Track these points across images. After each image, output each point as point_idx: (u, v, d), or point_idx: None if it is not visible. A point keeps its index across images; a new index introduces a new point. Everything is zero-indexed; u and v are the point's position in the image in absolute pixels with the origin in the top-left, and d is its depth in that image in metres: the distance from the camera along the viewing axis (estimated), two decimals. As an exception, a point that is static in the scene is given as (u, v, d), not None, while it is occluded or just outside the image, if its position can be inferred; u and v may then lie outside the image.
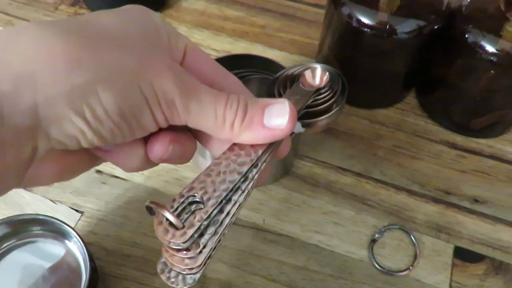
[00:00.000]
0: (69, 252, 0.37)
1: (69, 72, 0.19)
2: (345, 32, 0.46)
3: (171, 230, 0.21)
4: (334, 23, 0.46)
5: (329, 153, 0.48)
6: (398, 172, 0.47)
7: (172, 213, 0.22)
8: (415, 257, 0.42)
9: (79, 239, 0.36)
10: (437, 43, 0.45)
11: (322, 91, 0.31)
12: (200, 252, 0.21)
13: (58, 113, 0.19)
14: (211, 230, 0.22)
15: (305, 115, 0.30)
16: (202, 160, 0.43)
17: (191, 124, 0.23)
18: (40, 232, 0.38)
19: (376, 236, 0.43)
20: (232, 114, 0.23)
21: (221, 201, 0.22)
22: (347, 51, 0.48)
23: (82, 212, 0.43)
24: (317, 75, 0.31)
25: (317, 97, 0.30)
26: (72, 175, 0.24)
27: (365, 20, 0.43)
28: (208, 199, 0.22)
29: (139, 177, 0.45)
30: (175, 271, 0.22)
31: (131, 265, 0.41)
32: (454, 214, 0.44)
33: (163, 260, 0.23)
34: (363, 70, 0.49)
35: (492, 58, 0.41)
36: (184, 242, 0.21)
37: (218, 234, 0.22)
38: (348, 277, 0.41)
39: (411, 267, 0.41)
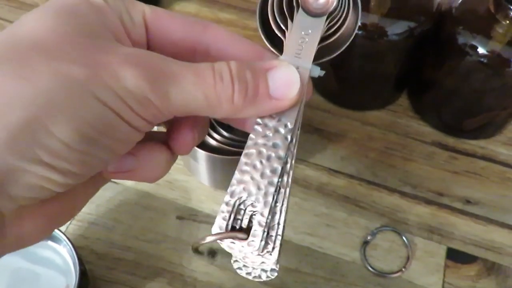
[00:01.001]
0: (59, 256, 0.37)
1: (1, 114, 0.15)
2: (336, 34, 0.46)
3: (237, 243, 0.20)
4: (325, 25, 0.46)
5: (321, 155, 0.48)
6: (390, 173, 0.47)
7: (228, 232, 0.20)
8: (408, 258, 0.42)
9: (69, 242, 0.35)
10: (428, 45, 0.45)
11: (334, 14, 0.22)
12: (273, 249, 0.21)
13: (7, 168, 0.15)
14: (274, 223, 0.20)
15: (319, 49, 0.23)
16: (194, 163, 0.43)
17: (181, 114, 0.19)
18: (30, 236, 0.37)
19: (369, 237, 0.42)
20: (228, 88, 0.18)
21: (273, 193, 0.20)
22: (338, 53, 0.48)
23: (73, 216, 0.43)
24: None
25: (329, 24, 0.23)
26: (66, 218, 0.20)
27: (355, 22, 0.43)
28: (257, 200, 0.20)
29: (130, 181, 0.45)
30: (253, 268, 0.22)
31: (122, 268, 0.40)
32: (446, 215, 0.44)
33: (235, 259, 0.22)
34: (354, 72, 0.49)
35: (482, 59, 0.41)
36: (257, 249, 0.20)
37: (282, 224, 0.21)
38: (341, 279, 0.41)
39: (403, 269, 0.41)
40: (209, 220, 0.42)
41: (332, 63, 0.49)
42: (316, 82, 0.53)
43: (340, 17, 0.23)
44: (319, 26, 0.22)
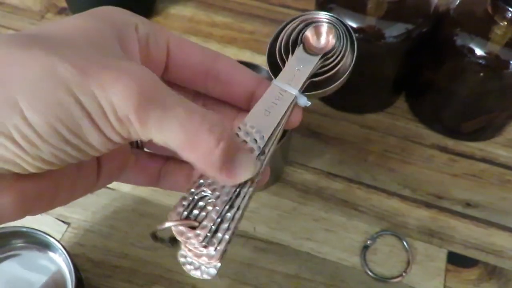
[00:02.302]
0: (54, 264, 0.36)
1: None
2: (333, 37, 0.46)
3: (187, 230, 0.22)
4: (322, 28, 0.46)
5: (319, 159, 0.47)
6: (389, 177, 0.46)
7: (184, 219, 0.22)
8: (408, 263, 0.41)
9: (64, 250, 0.35)
10: (426, 47, 0.45)
11: (329, 55, 0.26)
12: (216, 248, 0.22)
13: None
14: (224, 226, 0.22)
15: (310, 84, 0.26)
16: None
17: (156, 141, 0.19)
18: (24, 244, 0.37)
19: (368, 242, 0.42)
20: (212, 140, 0.19)
21: (231, 197, 0.22)
22: (336, 56, 0.48)
23: (68, 223, 0.42)
24: (322, 34, 0.26)
25: (324, 63, 0.26)
26: (44, 204, 0.21)
27: (352, 24, 0.42)
28: (218, 196, 0.22)
29: (126, 187, 0.44)
30: (196, 262, 0.22)
31: (118, 276, 0.40)
32: (447, 218, 0.44)
33: (183, 252, 0.22)
34: (352, 75, 0.48)
35: (480, 61, 0.41)
36: (200, 242, 0.21)
37: (232, 229, 0.22)
38: (341, 284, 0.40)
39: (404, 274, 0.41)
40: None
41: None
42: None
43: (337, 57, 0.26)
44: (312, 62, 0.25)
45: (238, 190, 0.22)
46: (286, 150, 0.45)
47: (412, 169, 0.47)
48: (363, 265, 0.41)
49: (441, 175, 0.47)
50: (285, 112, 0.24)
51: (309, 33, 0.26)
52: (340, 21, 0.27)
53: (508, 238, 0.43)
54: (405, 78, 0.49)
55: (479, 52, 0.41)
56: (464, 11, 0.43)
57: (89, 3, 0.56)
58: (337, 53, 0.26)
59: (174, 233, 0.22)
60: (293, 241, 0.42)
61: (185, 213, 0.22)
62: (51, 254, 0.36)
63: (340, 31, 0.27)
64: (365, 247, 0.42)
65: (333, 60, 0.26)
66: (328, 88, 0.26)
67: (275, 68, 0.26)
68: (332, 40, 0.26)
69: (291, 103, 0.24)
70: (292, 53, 0.26)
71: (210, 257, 0.22)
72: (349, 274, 0.41)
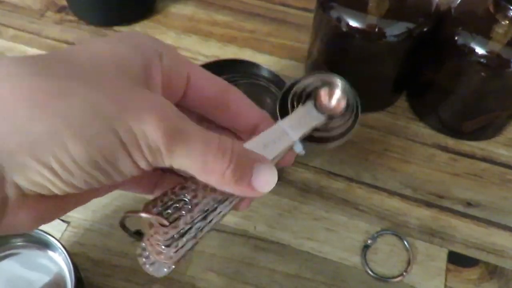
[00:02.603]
0: (54, 263, 0.36)
1: (31, 119, 0.17)
2: (334, 36, 0.45)
3: (156, 225, 0.22)
4: (323, 27, 0.46)
5: (320, 158, 0.47)
6: (390, 176, 0.46)
7: (158, 214, 0.23)
8: (409, 262, 0.41)
9: (64, 249, 0.35)
10: (427, 46, 0.45)
11: (335, 119, 0.28)
12: (176, 251, 0.22)
13: (21, 164, 0.18)
14: (191, 234, 0.23)
15: (309, 136, 0.28)
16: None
17: (176, 167, 0.21)
18: (24, 243, 0.37)
19: (369, 241, 0.42)
20: (224, 164, 0.21)
21: (208, 209, 0.23)
22: (337, 54, 0.48)
23: (68, 222, 0.42)
24: (334, 98, 0.28)
25: (327, 122, 0.28)
26: (53, 217, 0.22)
27: (354, 23, 0.42)
28: (196, 204, 0.23)
29: (126, 185, 0.44)
30: (152, 258, 0.23)
31: (118, 275, 0.40)
32: (447, 218, 0.44)
33: (144, 244, 0.23)
34: (353, 74, 0.48)
35: (482, 60, 0.41)
36: (165, 240, 0.22)
37: (197, 239, 0.23)
38: (341, 284, 0.40)
39: (404, 273, 0.40)
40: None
41: (330, 65, 0.49)
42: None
43: (341, 121, 0.28)
44: (318, 119, 0.27)
45: (216, 205, 0.23)
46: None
47: (413, 168, 0.47)
48: (363, 265, 0.41)
49: (442, 174, 0.47)
50: (281, 152, 0.26)
51: (322, 92, 0.28)
52: (354, 93, 0.29)
53: (509, 237, 0.43)
54: (406, 77, 0.49)
55: (480, 51, 0.41)
56: (465, 10, 0.43)
57: (89, 2, 0.56)
58: (343, 118, 0.28)
59: (144, 224, 0.23)
60: (294, 240, 0.42)
61: (160, 209, 0.23)
62: (50, 253, 0.36)
63: (350, 99, 0.29)
64: (366, 247, 0.42)
65: (337, 123, 0.28)
66: (326, 145, 0.29)
67: (284, 111, 0.28)
68: (342, 106, 0.28)
69: (288, 146, 0.26)
70: (303, 103, 0.28)
71: (168, 257, 0.22)
72: (349, 273, 0.41)
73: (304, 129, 0.27)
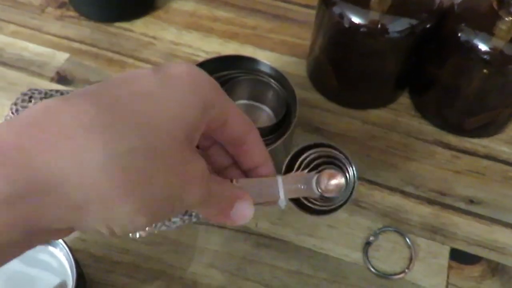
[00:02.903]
0: (55, 259, 0.36)
1: (116, 197, 0.19)
2: (336, 32, 0.45)
3: None
4: (325, 23, 0.46)
5: (322, 155, 0.47)
6: (392, 173, 0.46)
7: None
8: (411, 259, 0.41)
9: (65, 245, 0.34)
10: (430, 42, 0.45)
11: (328, 198, 0.31)
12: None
13: (91, 227, 0.20)
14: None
15: (297, 199, 0.31)
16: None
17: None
18: (25, 239, 0.36)
19: (371, 238, 0.42)
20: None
21: None
22: (339, 51, 0.47)
23: (69, 218, 0.42)
24: (334, 183, 0.30)
25: (320, 198, 0.31)
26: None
27: (356, 19, 0.42)
28: None
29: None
30: None
31: (120, 271, 0.40)
32: (449, 215, 0.44)
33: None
34: (355, 70, 0.48)
35: (485, 56, 0.41)
36: None
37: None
38: (343, 281, 0.40)
39: (406, 270, 0.40)
40: (209, 222, 0.41)
41: (332, 61, 0.48)
42: (316, 81, 0.52)
43: (334, 202, 0.30)
44: (312, 194, 0.30)
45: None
46: (288, 146, 0.45)
47: (415, 165, 0.47)
48: (365, 262, 0.41)
49: (444, 171, 0.47)
50: (265, 200, 0.29)
51: (327, 175, 0.30)
52: (354, 171, 0.31)
53: (511, 235, 0.43)
54: (409, 74, 0.49)
55: (483, 47, 0.41)
56: (468, 7, 0.43)
57: (89, -2, 0.56)
58: (337, 200, 0.30)
59: None
60: (295, 237, 0.42)
61: None
62: (52, 249, 0.36)
63: (350, 185, 0.31)
64: (368, 243, 0.42)
65: (330, 200, 0.31)
66: (309, 215, 0.31)
67: (290, 167, 0.31)
68: (338, 191, 0.30)
69: (274, 200, 0.29)
70: (308, 170, 0.30)
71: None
72: (351, 270, 0.40)
73: (296, 195, 0.30)
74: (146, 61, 0.54)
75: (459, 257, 0.41)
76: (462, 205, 0.44)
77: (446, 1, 0.44)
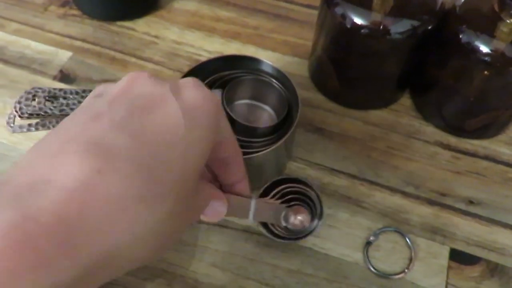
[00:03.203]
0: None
1: (141, 250, 0.21)
2: (338, 33, 0.45)
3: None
4: (327, 23, 0.46)
5: (322, 155, 0.47)
6: (393, 173, 0.46)
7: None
8: (411, 259, 0.41)
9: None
10: (431, 44, 0.45)
11: (292, 230, 0.36)
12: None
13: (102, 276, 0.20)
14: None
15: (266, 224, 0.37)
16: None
17: None
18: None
19: (371, 238, 0.42)
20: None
21: None
22: (340, 51, 0.48)
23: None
24: (299, 220, 0.35)
25: (286, 228, 0.36)
26: None
27: (358, 20, 0.42)
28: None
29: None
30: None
31: (121, 270, 0.40)
32: (449, 215, 0.44)
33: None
34: (356, 71, 0.48)
35: (486, 58, 0.41)
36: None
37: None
38: (343, 280, 0.40)
39: (406, 270, 0.41)
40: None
41: (334, 62, 0.49)
42: (318, 81, 0.52)
43: (298, 232, 0.37)
44: (279, 223, 0.35)
45: None
46: (289, 146, 0.45)
47: (415, 166, 0.47)
48: (365, 261, 0.41)
49: (444, 172, 0.47)
50: (237, 216, 0.33)
51: (294, 211, 0.35)
52: (322, 209, 0.37)
53: (510, 236, 0.43)
54: (410, 75, 0.49)
55: (484, 49, 0.41)
56: (470, 8, 0.43)
57: (93, -5, 0.56)
58: (300, 232, 0.37)
59: None
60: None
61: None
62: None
63: (316, 222, 0.37)
64: (368, 243, 0.42)
65: (293, 232, 0.37)
66: (274, 239, 0.37)
67: (265, 192, 0.36)
68: (301, 226, 0.36)
69: (244, 216, 0.33)
70: (281, 201, 0.35)
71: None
72: (351, 270, 0.41)
73: (263, 220, 0.35)
74: (149, 60, 0.54)
75: (458, 257, 0.42)
76: (462, 206, 0.45)
77: (447, 2, 0.44)
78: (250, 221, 0.33)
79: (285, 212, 0.35)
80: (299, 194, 0.37)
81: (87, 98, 0.23)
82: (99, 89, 0.24)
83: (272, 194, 0.36)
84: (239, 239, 0.42)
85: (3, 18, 0.57)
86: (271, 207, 0.35)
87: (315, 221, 0.37)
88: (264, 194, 0.36)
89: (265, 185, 0.37)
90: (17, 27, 0.57)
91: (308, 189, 0.37)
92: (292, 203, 0.36)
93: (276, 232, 0.37)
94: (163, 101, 0.22)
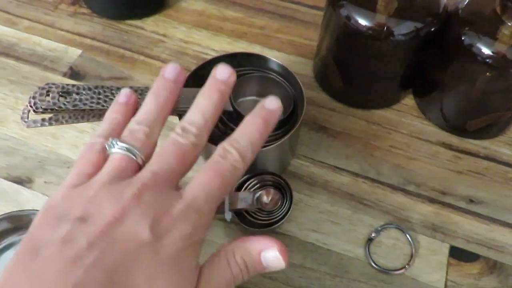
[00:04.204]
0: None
1: None
2: (342, 34, 0.46)
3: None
4: (332, 24, 0.47)
5: (326, 153, 0.48)
6: (395, 172, 0.47)
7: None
8: (411, 256, 0.42)
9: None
10: (434, 45, 0.46)
11: (265, 211, 0.41)
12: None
13: None
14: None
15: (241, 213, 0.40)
16: (202, 158, 0.43)
17: None
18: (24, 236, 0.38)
19: (373, 235, 0.43)
20: (237, 271, 0.27)
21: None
22: (345, 52, 0.48)
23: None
24: (270, 198, 0.40)
25: (260, 209, 0.40)
26: None
27: (362, 21, 0.43)
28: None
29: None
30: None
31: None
32: (450, 214, 0.45)
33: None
34: (360, 71, 0.49)
35: (488, 60, 0.42)
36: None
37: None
38: (345, 275, 0.41)
39: (407, 266, 0.42)
40: (218, 217, 0.43)
41: (338, 62, 0.49)
42: (322, 81, 0.53)
43: (270, 213, 0.41)
44: (252, 207, 0.40)
45: None
46: (294, 143, 0.46)
47: (417, 165, 0.48)
48: (367, 257, 0.42)
49: (445, 171, 0.48)
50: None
51: (264, 192, 0.40)
52: (291, 193, 0.41)
53: (509, 234, 0.44)
54: (413, 76, 0.50)
55: (486, 51, 0.42)
56: (472, 11, 0.44)
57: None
58: (274, 212, 0.41)
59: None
60: (299, 232, 0.43)
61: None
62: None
63: (287, 204, 0.41)
64: (370, 240, 0.43)
65: (270, 215, 0.41)
66: (248, 228, 0.40)
67: (237, 188, 0.41)
68: (274, 204, 0.40)
69: (220, 211, 0.37)
70: (253, 188, 0.42)
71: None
72: (353, 265, 0.42)
73: (238, 207, 0.38)
74: (156, 58, 0.55)
75: (458, 254, 0.43)
76: (463, 204, 0.45)
77: (450, 5, 0.45)
78: (227, 215, 0.37)
79: (257, 195, 0.39)
80: (269, 182, 0.42)
81: (69, 220, 0.23)
82: (84, 207, 0.24)
83: (244, 187, 0.41)
84: (244, 234, 0.43)
85: (15, 15, 0.59)
86: (243, 194, 0.39)
87: (287, 204, 0.41)
88: (237, 190, 0.41)
89: (238, 182, 0.41)
90: (28, 24, 0.58)
91: (277, 178, 0.41)
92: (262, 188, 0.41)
93: (257, 221, 0.40)
94: (138, 254, 0.23)
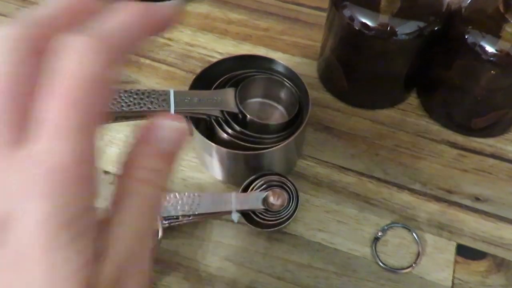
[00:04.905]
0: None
1: None
2: (346, 34, 0.47)
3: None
4: (335, 25, 0.47)
5: (331, 153, 0.48)
6: (400, 171, 0.47)
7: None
8: (418, 254, 0.42)
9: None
10: (437, 44, 0.46)
11: (272, 212, 0.41)
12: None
13: None
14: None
15: (248, 214, 0.41)
16: (209, 159, 0.43)
17: None
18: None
19: (379, 234, 0.43)
20: None
21: None
22: (349, 52, 0.49)
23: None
24: (277, 199, 0.41)
25: (267, 212, 0.41)
26: None
27: (366, 22, 0.43)
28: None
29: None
30: None
31: (138, 263, 0.41)
32: (456, 212, 0.45)
33: None
34: (364, 71, 0.49)
35: (491, 58, 0.42)
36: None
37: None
38: (352, 274, 0.41)
39: (413, 264, 0.42)
40: (223, 217, 0.43)
41: (342, 62, 0.50)
42: (327, 81, 0.53)
43: (276, 213, 0.42)
44: (259, 207, 0.41)
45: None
46: (299, 144, 0.47)
47: (423, 163, 0.48)
48: (374, 256, 0.42)
49: (451, 170, 0.48)
50: (220, 210, 0.40)
51: (271, 193, 0.41)
52: (298, 193, 0.42)
53: (516, 231, 0.44)
54: (417, 75, 0.50)
55: (490, 49, 0.42)
56: (475, 9, 0.44)
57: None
58: (281, 212, 0.42)
59: None
60: (306, 232, 0.43)
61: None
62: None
63: (292, 206, 0.41)
64: (376, 239, 0.43)
65: (273, 216, 0.41)
66: (255, 228, 0.41)
67: (245, 188, 0.42)
68: (281, 205, 0.41)
69: (227, 211, 0.40)
70: (259, 189, 0.42)
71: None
72: (360, 264, 0.42)
73: (245, 208, 0.40)
74: (162, 61, 0.56)
75: (465, 252, 0.43)
76: (469, 203, 0.46)
77: (453, 4, 0.45)
78: (234, 216, 0.39)
79: (264, 196, 0.41)
80: (275, 182, 0.42)
81: None
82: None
83: (251, 188, 0.42)
84: (251, 235, 0.43)
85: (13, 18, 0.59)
86: (250, 195, 0.41)
87: (293, 204, 0.42)
88: (244, 189, 0.42)
89: (245, 183, 0.42)
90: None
91: (283, 178, 0.42)
92: (269, 188, 0.42)
93: (264, 222, 0.41)
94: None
